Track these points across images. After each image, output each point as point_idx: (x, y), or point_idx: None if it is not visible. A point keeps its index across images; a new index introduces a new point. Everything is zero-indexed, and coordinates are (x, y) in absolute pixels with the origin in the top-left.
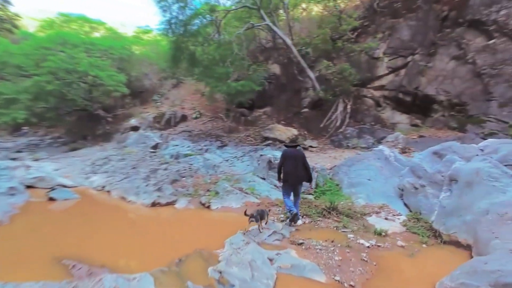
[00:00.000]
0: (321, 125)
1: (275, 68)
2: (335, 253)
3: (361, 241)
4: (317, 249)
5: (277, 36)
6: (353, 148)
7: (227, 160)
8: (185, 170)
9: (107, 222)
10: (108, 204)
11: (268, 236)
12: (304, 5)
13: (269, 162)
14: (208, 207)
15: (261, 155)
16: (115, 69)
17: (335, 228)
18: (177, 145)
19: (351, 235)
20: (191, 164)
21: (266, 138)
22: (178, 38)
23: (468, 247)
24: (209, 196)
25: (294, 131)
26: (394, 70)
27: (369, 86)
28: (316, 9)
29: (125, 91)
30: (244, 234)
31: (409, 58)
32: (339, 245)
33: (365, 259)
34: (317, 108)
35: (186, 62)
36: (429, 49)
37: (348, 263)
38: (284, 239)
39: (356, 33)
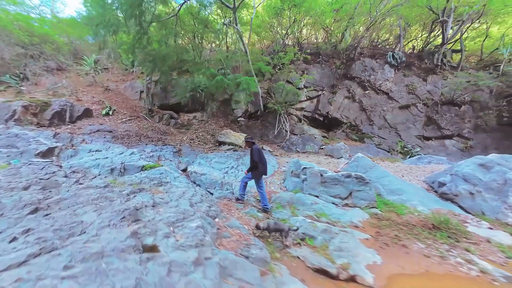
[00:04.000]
0: (275, 133)
1: (202, 77)
2: None
3: None
4: None
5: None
6: (304, 152)
7: (226, 173)
8: (197, 199)
9: None
10: None
11: None
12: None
13: (321, 175)
14: (347, 278)
15: (304, 167)
16: None
17: (506, 257)
18: (99, 151)
19: None
20: (174, 184)
21: (222, 143)
22: None
23: None
24: (307, 247)
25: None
26: (311, 98)
27: (293, 107)
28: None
29: None
30: None
31: (320, 92)
32: None
33: None
34: (253, 118)
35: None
36: (332, 89)
37: None
38: None
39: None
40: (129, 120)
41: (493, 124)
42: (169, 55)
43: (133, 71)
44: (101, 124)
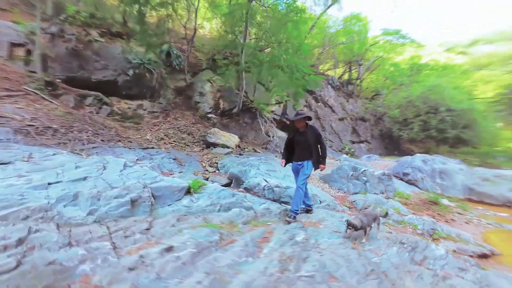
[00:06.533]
0: (262, 134)
1: (149, 53)
2: None
3: None
4: None
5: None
6: None
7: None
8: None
9: None
10: None
11: None
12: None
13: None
14: None
15: (364, 170)
16: None
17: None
18: (4, 164)
19: None
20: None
21: (213, 144)
22: None
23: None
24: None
25: (237, 138)
26: (278, 103)
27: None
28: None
29: None
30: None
31: (286, 98)
32: None
33: None
34: (226, 116)
35: None
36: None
37: None
38: None
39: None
40: (7, 97)
41: (376, 135)
42: None
43: None
44: None
